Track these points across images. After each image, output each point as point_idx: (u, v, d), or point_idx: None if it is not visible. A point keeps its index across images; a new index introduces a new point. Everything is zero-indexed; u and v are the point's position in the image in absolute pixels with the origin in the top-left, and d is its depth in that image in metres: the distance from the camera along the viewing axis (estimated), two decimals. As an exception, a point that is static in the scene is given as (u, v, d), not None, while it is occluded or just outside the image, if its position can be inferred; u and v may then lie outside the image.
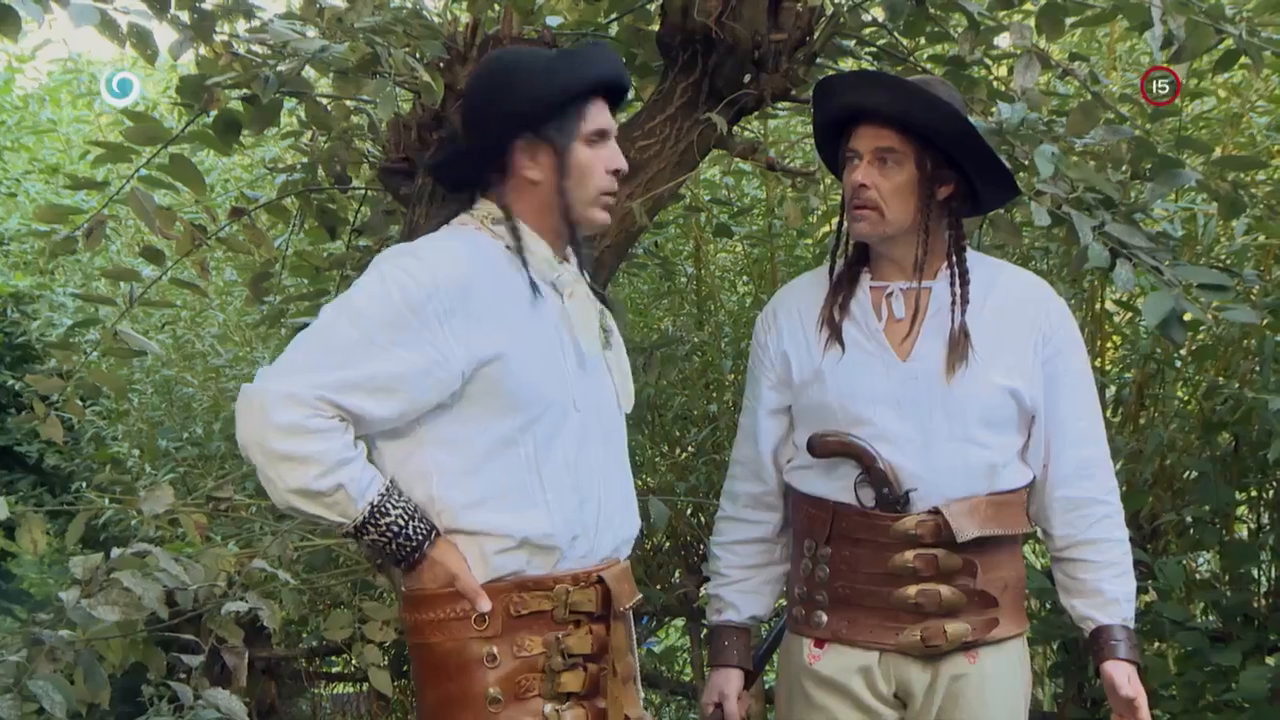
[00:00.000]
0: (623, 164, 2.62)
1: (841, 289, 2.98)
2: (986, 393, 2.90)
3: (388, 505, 2.46)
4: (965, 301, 2.91)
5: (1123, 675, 2.91)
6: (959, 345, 2.89)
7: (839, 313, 2.96)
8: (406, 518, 2.47)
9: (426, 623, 2.52)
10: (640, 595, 2.68)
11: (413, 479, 2.52)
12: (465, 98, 2.68)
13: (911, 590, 2.87)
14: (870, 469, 2.87)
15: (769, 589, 3.12)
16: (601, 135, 2.59)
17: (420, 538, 2.48)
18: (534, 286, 2.54)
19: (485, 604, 2.46)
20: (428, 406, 2.48)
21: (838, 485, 2.93)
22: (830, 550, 2.93)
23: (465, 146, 2.65)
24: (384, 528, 2.46)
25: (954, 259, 2.95)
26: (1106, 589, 2.96)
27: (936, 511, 2.87)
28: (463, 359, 2.45)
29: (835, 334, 2.94)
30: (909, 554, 2.87)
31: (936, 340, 2.92)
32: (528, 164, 2.58)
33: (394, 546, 2.48)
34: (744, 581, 3.10)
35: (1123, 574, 2.99)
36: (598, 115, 2.60)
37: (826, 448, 2.92)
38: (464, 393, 2.48)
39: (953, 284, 2.93)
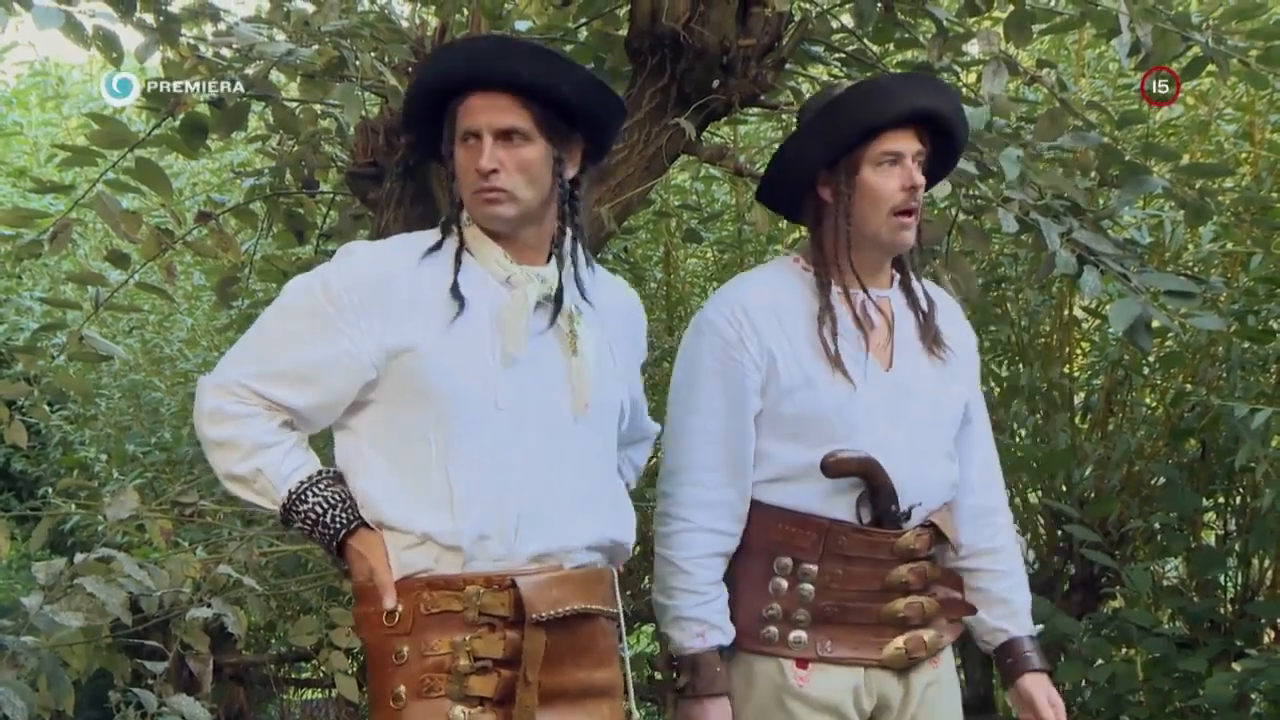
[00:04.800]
0: (484, 164, 2.49)
1: (826, 300, 2.84)
2: (953, 403, 2.90)
3: (308, 493, 2.49)
4: (920, 299, 2.90)
5: (1043, 690, 2.90)
6: (934, 336, 2.87)
7: (831, 322, 2.82)
8: (325, 507, 2.49)
9: (358, 617, 2.54)
10: (603, 605, 2.58)
11: (349, 471, 2.54)
12: None
13: (900, 604, 2.82)
14: (882, 485, 2.77)
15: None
16: (470, 135, 2.51)
17: (339, 527, 2.49)
18: (455, 289, 2.51)
19: (390, 600, 2.45)
20: (347, 397, 2.51)
21: (834, 502, 2.79)
22: (817, 568, 2.80)
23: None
24: (303, 514, 2.50)
25: (906, 262, 2.92)
26: (1013, 599, 2.95)
27: (930, 525, 2.83)
28: (373, 350, 2.46)
29: (832, 341, 2.80)
30: (904, 569, 2.81)
31: (913, 347, 2.88)
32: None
33: (317, 535, 2.51)
34: (721, 599, 2.82)
35: (1022, 582, 2.99)
36: (466, 115, 2.52)
37: (845, 467, 2.76)
38: (383, 386, 2.49)
39: (903, 285, 2.91)
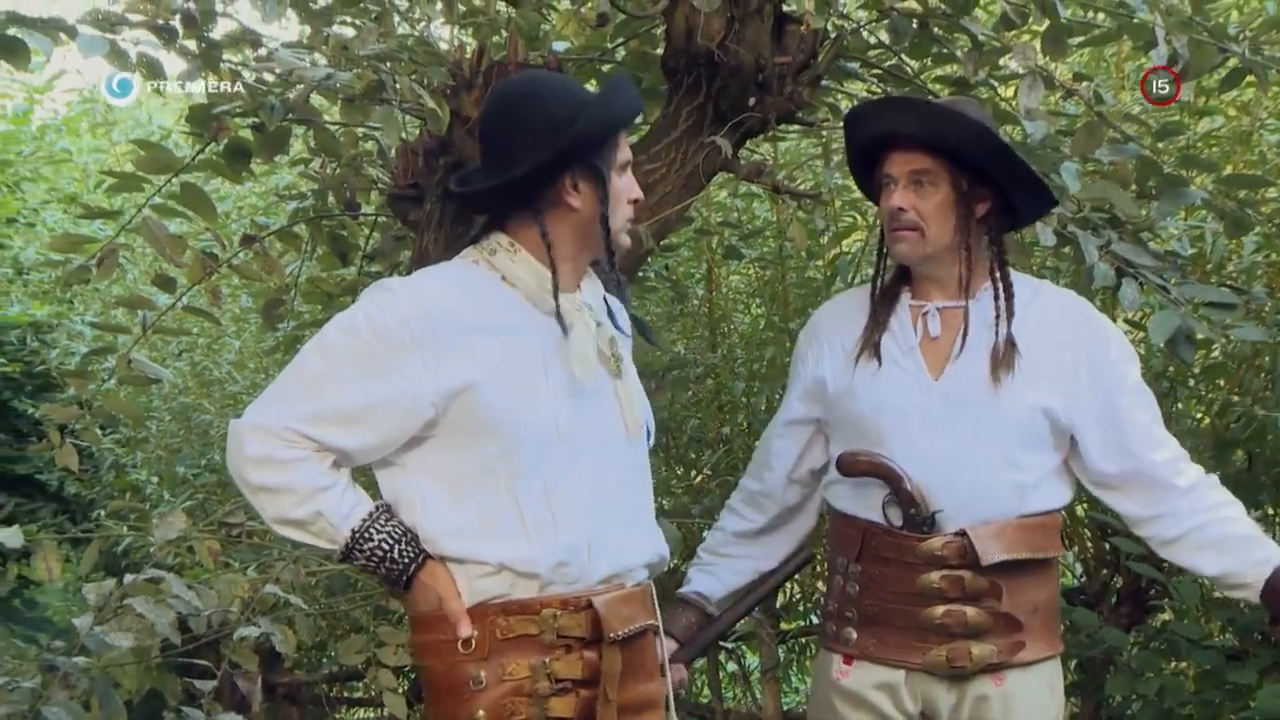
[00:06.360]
0: (640, 194, 2.67)
1: (882, 310, 3.02)
2: (1020, 411, 2.91)
3: (371, 530, 2.50)
4: (1010, 314, 2.94)
5: None
6: (1005, 356, 2.90)
7: (878, 331, 2.99)
8: (392, 541, 2.50)
9: (422, 645, 2.56)
10: (654, 620, 2.67)
11: (401, 507, 2.55)
12: (506, 125, 2.58)
13: (938, 610, 2.89)
14: (898, 489, 2.88)
15: (730, 578, 3.16)
16: (627, 166, 2.63)
17: (407, 560, 2.51)
18: (559, 318, 2.56)
19: (465, 629, 2.48)
20: (402, 436, 2.51)
21: (867, 503, 2.96)
22: (860, 568, 2.96)
23: (518, 173, 2.54)
24: (369, 552, 2.50)
25: (998, 274, 2.97)
26: (1212, 540, 2.95)
27: (963, 533, 2.87)
28: (430, 390, 2.47)
29: (874, 350, 2.98)
30: (935, 575, 2.88)
31: (973, 358, 2.93)
32: (572, 192, 2.57)
33: (383, 570, 2.52)
34: (710, 565, 3.17)
35: (1222, 520, 2.97)
36: (625, 146, 2.62)
37: (855, 467, 2.94)
38: (443, 423, 2.50)
39: (996, 299, 2.94)
